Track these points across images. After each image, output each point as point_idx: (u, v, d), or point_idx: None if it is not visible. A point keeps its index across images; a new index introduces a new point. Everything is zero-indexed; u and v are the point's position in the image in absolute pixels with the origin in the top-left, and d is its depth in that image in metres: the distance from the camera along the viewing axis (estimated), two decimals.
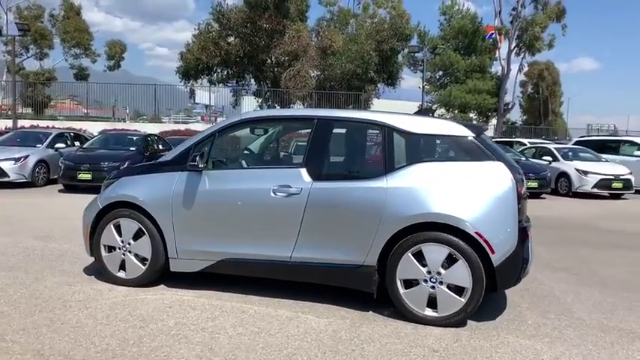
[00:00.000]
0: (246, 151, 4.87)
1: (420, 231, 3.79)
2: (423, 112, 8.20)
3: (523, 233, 3.84)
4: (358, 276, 3.95)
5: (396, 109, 5.33)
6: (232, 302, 4.15)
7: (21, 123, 21.92)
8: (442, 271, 3.74)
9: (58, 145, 13.39)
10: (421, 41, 35.33)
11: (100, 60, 31.39)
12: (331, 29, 27.98)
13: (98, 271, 4.77)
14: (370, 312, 4.01)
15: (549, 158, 14.88)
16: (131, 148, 12.96)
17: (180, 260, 4.37)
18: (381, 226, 3.83)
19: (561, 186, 14.24)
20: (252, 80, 30.95)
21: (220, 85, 30.10)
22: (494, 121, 37.86)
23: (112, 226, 4.51)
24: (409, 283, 3.84)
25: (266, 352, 3.24)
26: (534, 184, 12.65)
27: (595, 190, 13.71)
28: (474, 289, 3.69)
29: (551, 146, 16.54)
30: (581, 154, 15.36)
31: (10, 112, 23.15)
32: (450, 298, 3.73)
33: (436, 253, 3.75)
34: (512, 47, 35.22)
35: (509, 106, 38.43)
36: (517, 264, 3.80)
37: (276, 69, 28.66)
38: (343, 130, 4.35)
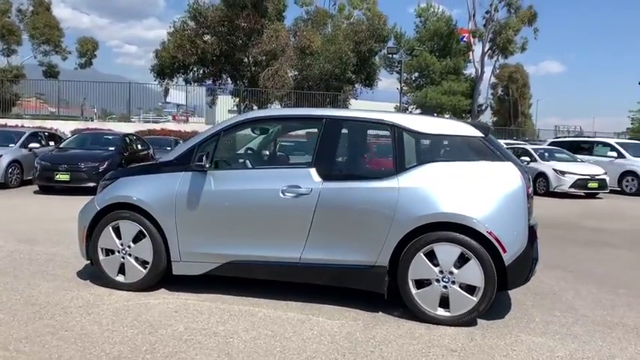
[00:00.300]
0: (249, 151, 4.77)
1: (432, 231, 3.79)
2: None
3: (532, 232, 3.89)
4: (369, 277, 3.91)
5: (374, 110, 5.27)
6: (239, 305, 4.06)
7: None
8: (454, 270, 3.74)
9: (32, 145, 12.91)
10: (398, 43, 35.67)
11: (71, 57, 30.51)
12: (310, 29, 27.93)
13: (93, 275, 4.60)
14: (380, 313, 3.98)
15: (527, 159, 15.18)
16: (110, 148, 12.60)
17: (183, 263, 4.25)
18: (393, 226, 3.81)
19: (539, 186, 14.55)
20: (229, 79, 30.62)
21: (196, 84, 29.67)
22: None
23: (110, 228, 4.35)
24: (421, 283, 3.83)
25: (284, 356, 3.17)
26: None
27: (572, 190, 14.06)
28: (486, 288, 3.71)
29: (529, 147, 16.91)
30: (558, 155, 15.74)
31: None
32: (462, 297, 3.74)
33: (448, 252, 3.75)
34: (486, 50, 35.95)
35: (483, 108, 39.23)
36: (527, 262, 3.83)
37: (253, 68, 28.43)
38: (353, 130, 4.30)
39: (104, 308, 3.90)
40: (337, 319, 3.83)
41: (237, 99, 28.69)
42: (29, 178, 12.31)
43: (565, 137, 23.10)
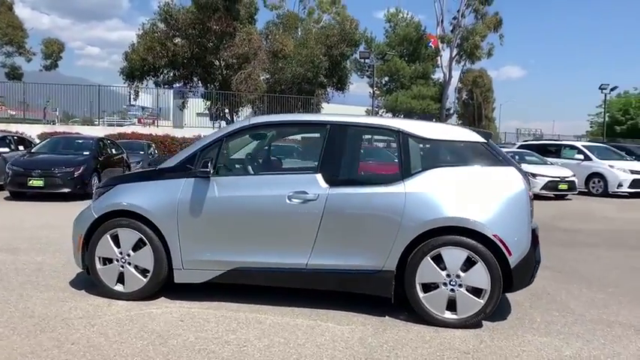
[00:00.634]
0: (253, 157, 4.72)
1: (438, 235, 3.85)
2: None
3: (534, 235, 4.00)
4: (377, 281, 3.94)
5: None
6: (244, 313, 4.01)
7: None
8: (461, 273, 3.81)
9: (0, 150, 12.42)
10: (368, 47, 36.05)
11: (35, 59, 29.45)
12: (282, 33, 27.89)
13: (88, 284, 4.47)
14: (387, 317, 4.01)
15: None
16: (84, 153, 12.24)
17: (185, 271, 4.17)
18: (400, 230, 3.85)
19: None
20: (200, 83, 30.22)
21: (166, 87, 29.14)
22: None
23: (108, 236, 4.23)
24: (428, 287, 3.88)
25: None
26: None
27: (543, 192, 14.50)
28: (493, 290, 3.79)
29: None
30: (528, 158, 16.22)
31: None
32: (469, 300, 3.81)
33: (455, 256, 3.82)
34: (454, 55, 36.73)
35: (451, 112, 40.06)
36: (531, 264, 3.94)
37: (225, 72, 28.15)
38: (358, 136, 4.32)
39: (106, 319, 3.78)
40: (347, 325, 3.83)
41: (209, 102, 28.36)
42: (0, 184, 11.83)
43: (532, 140, 23.78)
